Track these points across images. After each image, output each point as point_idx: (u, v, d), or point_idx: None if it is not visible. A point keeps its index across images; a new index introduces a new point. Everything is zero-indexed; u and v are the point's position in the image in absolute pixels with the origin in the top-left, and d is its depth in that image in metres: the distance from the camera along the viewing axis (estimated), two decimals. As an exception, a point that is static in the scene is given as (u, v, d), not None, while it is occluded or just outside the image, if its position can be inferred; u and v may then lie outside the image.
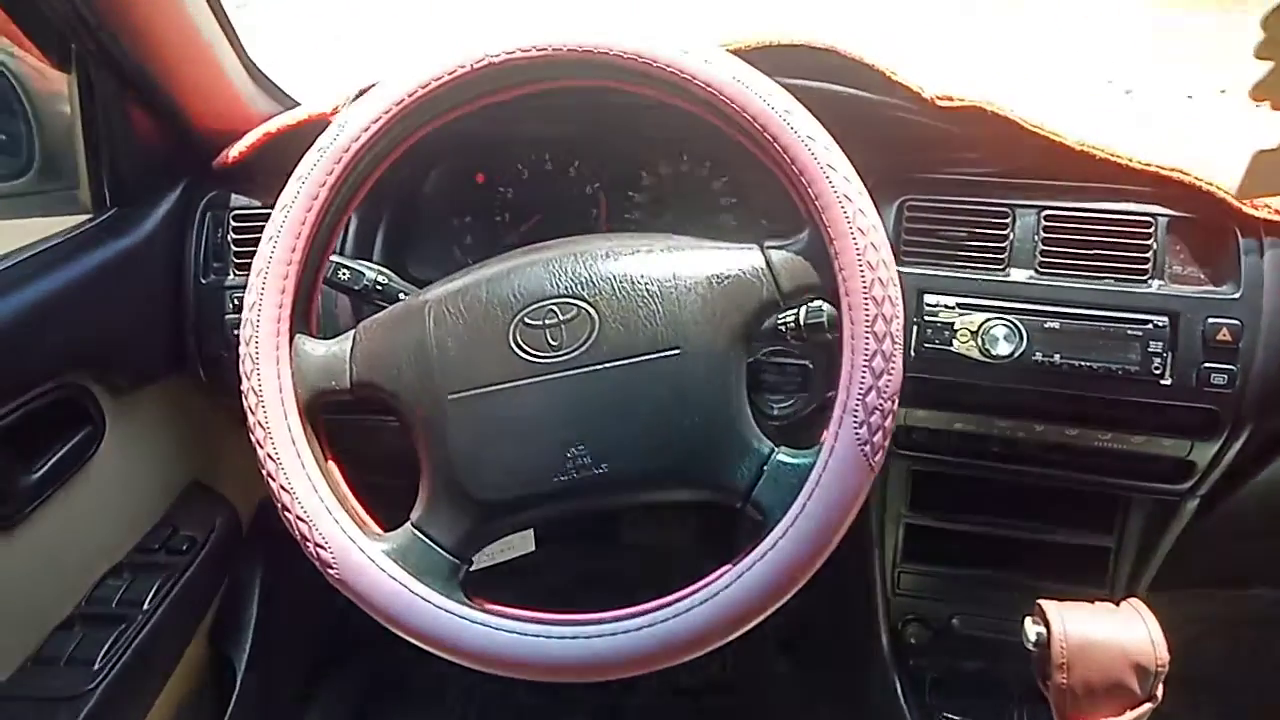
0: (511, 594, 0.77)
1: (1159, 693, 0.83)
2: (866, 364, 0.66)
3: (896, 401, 0.67)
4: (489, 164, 1.13)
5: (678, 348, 0.69)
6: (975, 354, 0.89)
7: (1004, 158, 0.93)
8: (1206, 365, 0.86)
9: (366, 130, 0.75)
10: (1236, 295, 0.86)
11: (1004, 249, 0.91)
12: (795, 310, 0.74)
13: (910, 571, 1.10)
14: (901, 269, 0.91)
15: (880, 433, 0.66)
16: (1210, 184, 0.87)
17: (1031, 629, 0.86)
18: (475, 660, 0.68)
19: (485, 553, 0.93)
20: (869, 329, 0.66)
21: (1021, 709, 1.10)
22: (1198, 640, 1.53)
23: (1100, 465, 0.96)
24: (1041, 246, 0.90)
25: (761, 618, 0.66)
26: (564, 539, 1.40)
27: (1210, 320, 0.86)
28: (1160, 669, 0.82)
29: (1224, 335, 0.86)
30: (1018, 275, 0.91)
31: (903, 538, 1.08)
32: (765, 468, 0.69)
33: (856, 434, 0.65)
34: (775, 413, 0.98)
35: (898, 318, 0.67)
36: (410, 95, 0.75)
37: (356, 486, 0.77)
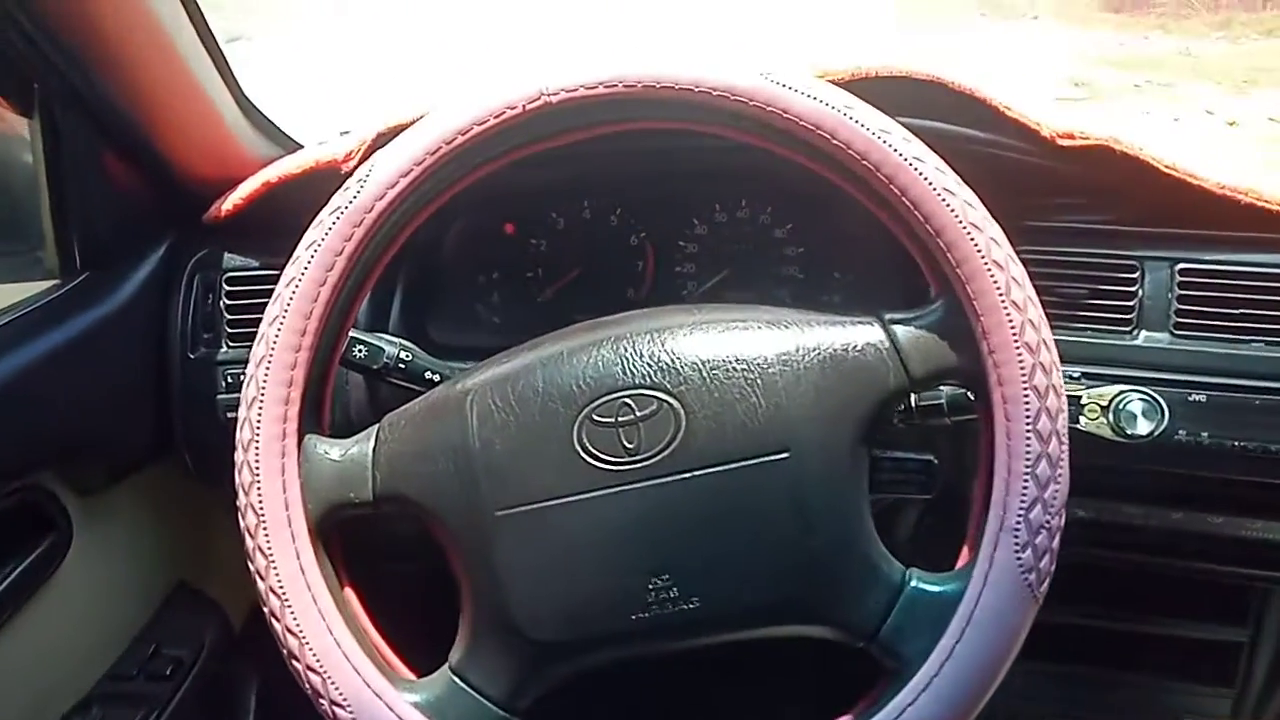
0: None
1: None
2: (1029, 471, 0.53)
3: (1064, 517, 0.53)
4: (518, 213, 1.00)
5: (786, 450, 0.55)
6: (1107, 432, 0.76)
7: (1130, 203, 0.80)
8: None
9: (394, 186, 0.61)
10: None
11: (1132, 308, 0.78)
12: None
13: (1015, 670, 0.96)
14: (1012, 333, 0.79)
15: (1048, 556, 0.53)
16: (1378, 230, 0.74)
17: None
18: None
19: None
20: (1030, 427, 0.53)
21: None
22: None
23: (1244, 556, 0.83)
24: (1177, 305, 0.77)
25: None
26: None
27: (1390, 390, 0.73)
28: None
29: None
30: (1149, 339, 0.78)
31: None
32: (899, 599, 0.55)
33: (1019, 559, 0.52)
34: None
35: (1064, 412, 0.54)
36: (449, 143, 0.61)
37: (381, 616, 0.63)
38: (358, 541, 0.65)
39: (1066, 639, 0.95)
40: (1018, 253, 0.79)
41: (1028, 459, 0.53)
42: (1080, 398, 0.76)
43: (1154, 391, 0.75)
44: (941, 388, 0.61)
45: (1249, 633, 0.90)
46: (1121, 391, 0.76)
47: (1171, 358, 0.77)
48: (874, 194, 0.58)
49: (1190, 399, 0.75)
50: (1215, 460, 0.75)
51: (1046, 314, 0.78)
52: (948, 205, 0.55)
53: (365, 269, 0.64)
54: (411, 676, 0.60)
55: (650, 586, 0.56)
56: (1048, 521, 0.53)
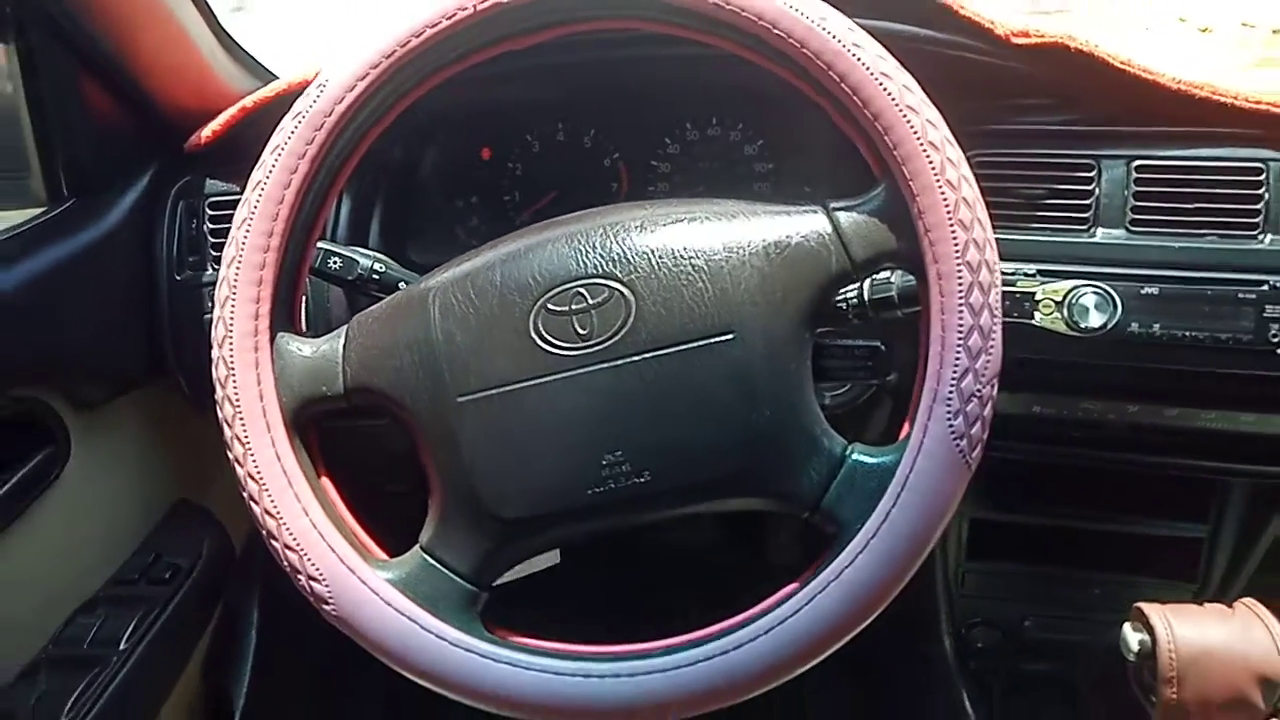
0: (530, 615, 0.68)
1: (1289, 708, 0.73)
2: (961, 343, 0.55)
3: (996, 387, 0.56)
4: (494, 137, 1.02)
5: (731, 332, 0.58)
6: (1061, 327, 0.78)
7: (1087, 102, 0.81)
8: None
9: (351, 90, 0.64)
10: None
11: (1089, 206, 0.79)
12: (858, 284, 0.63)
13: (976, 570, 1.00)
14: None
15: (979, 424, 0.55)
16: (1330, 120, 0.75)
17: (1132, 637, 0.76)
18: (501, 705, 0.58)
19: (502, 571, 0.82)
20: (963, 300, 0.55)
21: (1100, 716, 1.00)
22: None
23: (1200, 447, 0.85)
24: (1133, 202, 0.79)
25: (836, 646, 0.56)
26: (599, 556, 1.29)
27: (1335, 278, 0.75)
28: (1292, 682, 0.72)
29: None
30: (1106, 236, 0.79)
31: (967, 534, 0.97)
32: (839, 470, 0.58)
33: (951, 426, 0.55)
34: (828, 401, 0.87)
35: (996, 286, 0.56)
36: (403, 46, 0.63)
37: (357, 505, 0.66)
38: (335, 437, 0.68)
39: (1035, 540, 0.98)
40: (979, 156, 0.82)
41: (960, 331, 0.55)
42: (1035, 294, 0.78)
43: (1108, 286, 0.77)
44: (891, 280, 0.62)
45: (1209, 528, 0.93)
46: (1075, 286, 0.77)
47: (1127, 253, 0.78)
48: (815, 83, 0.60)
49: (1143, 292, 0.77)
50: (1168, 352, 0.77)
51: (1006, 214, 0.81)
52: (885, 89, 0.57)
53: (330, 173, 0.66)
54: (385, 557, 0.64)
55: (604, 463, 0.58)
56: (979, 390, 0.55)
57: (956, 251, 0.55)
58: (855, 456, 0.59)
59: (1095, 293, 0.77)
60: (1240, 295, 0.75)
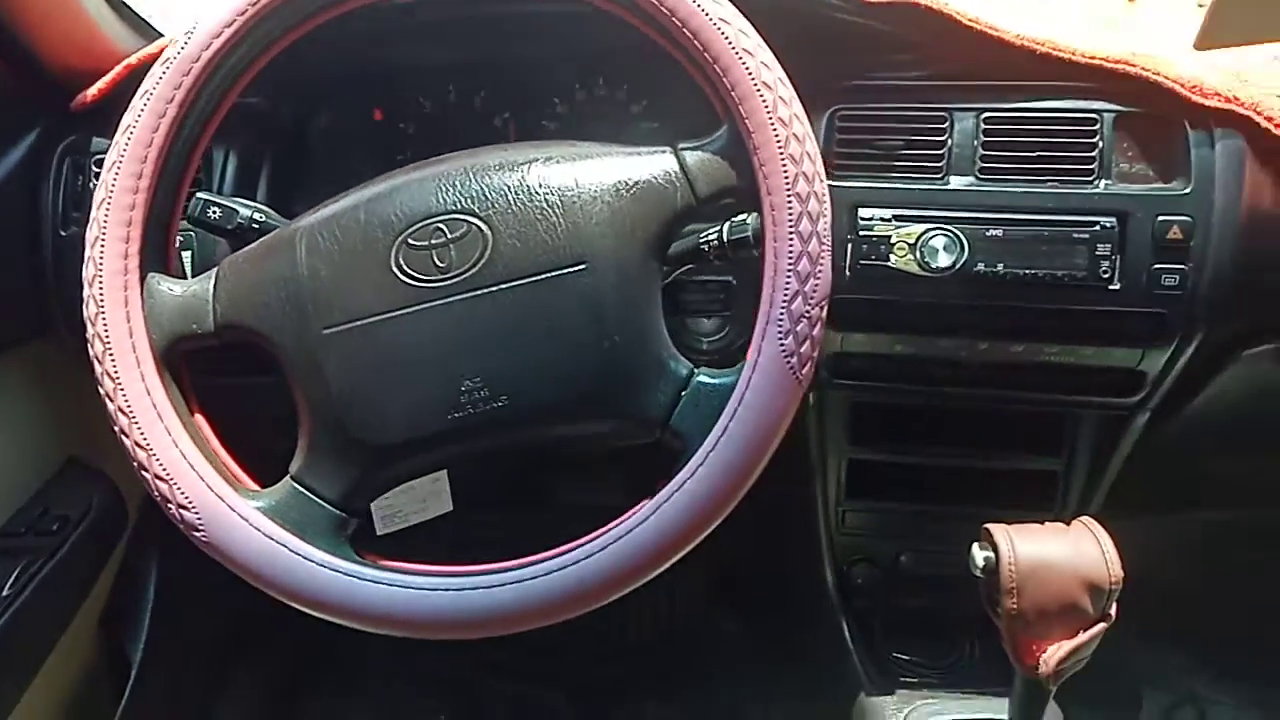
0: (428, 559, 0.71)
1: (1113, 611, 0.79)
2: (791, 268, 0.59)
3: (825, 309, 0.60)
4: (386, 98, 1.03)
5: (583, 262, 0.61)
6: (914, 268, 0.83)
7: (939, 58, 0.86)
8: (1156, 266, 0.81)
9: (218, 36, 0.66)
10: (1187, 191, 0.81)
11: (942, 156, 0.84)
12: (719, 226, 0.67)
13: (855, 509, 1.05)
14: (835, 183, 0.84)
15: (808, 343, 0.59)
16: (1158, 74, 0.81)
17: (979, 555, 0.81)
18: (368, 620, 0.61)
19: (398, 514, 0.85)
20: (793, 229, 0.59)
21: (973, 644, 1.06)
22: (1147, 561, 1.53)
23: (1048, 382, 0.91)
24: (982, 151, 0.84)
25: (681, 553, 0.60)
26: (492, 502, 1.33)
27: (1160, 218, 0.81)
28: (1114, 586, 0.78)
29: (1174, 234, 0.80)
30: (958, 183, 0.84)
31: (845, 474, 1.03)
32: (684, 391, 0.62)
33: (781, 345, 0.59)
34: (706, 346, 0.91)
35: (825, 216, 0.60)
36: None
37: (237, 451, 0.68)
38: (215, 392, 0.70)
39: (908, 478, 1.03)
40: (842, 110, 0.86)
41: (790, 257, 0.59)
42: (890, 237, 0.83)
43: (956, 229, 0.82)
44: (748, 221, 0.66)
45: (1064, 460, 0.99)
46: (927, 230, 0.82)
47: (976, 199, 0.83)
48: (664, 32, 0.63)
49: (988, 234, 0.82)
50: (1011, 289, 0.83)
51: (867, 165, 0.86)
52: (723, 33, 0.61)
53: (199, 119, 0.68)
54: (256, 487, 0.66)
55: (463, 389, 0.62)
56: (808, 312, 0.59)
57: (787, 184, 0.59)
58: (700, 378, 0.62)
59: (945, 235, 0.82)
60: (1075, 235, 0.81)
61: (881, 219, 0.83)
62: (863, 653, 1.05)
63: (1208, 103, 0.80)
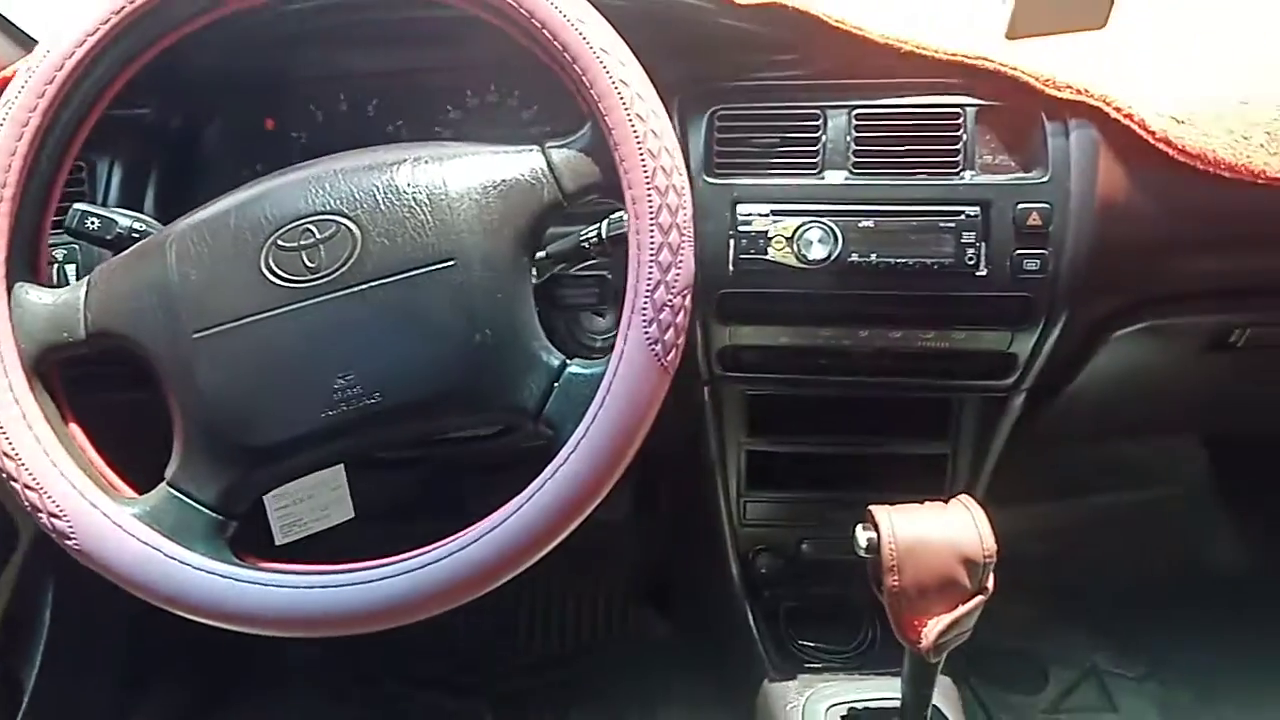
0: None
1: (989, 584, 0.83)
2: (652, 259, 0.61)
3: (688, 298, 0.62)
4: (278, 108, 1.03)
5: (451, 259, 0.62)
6: (791, 260, 0.86)
7: (813, 58, 0.89)
8: (1019, 252, 0.85)
9: (81, 45, 0.66)
10: (1045, 179, 0.85)
11: (817, 152, 0.88)
12: (599, 225, 0.69)
13: (755, 500, 1.07)
14: (716, 180, 0.88)
15: (672, 330, 0.61)
16: (1015, 69, 0.85)
17: (862, 536, 0.84)
18: (245, 622, 0.61)
19: (298, 522, 0.85)
20: (653, 221, 0.61)
21: (875, 628, 1.09)
22: (1042, 542, 1.60)
23: (927, 367, 0.95)
24: (854, 147, 0.87)
25: (556, 540, 0.61)
26: (413, 510, 1.32)
27: (1020, 206, 0.85)
28: (989, 559, 0.81)
29: (1034, 220, 0.85)
30: (832, 178, 0.87)
31: (745, 466, 1.05)
32: (557, 383, 0.64)
33: (646, 333, 0.61)
34: (600, 344, 0.93)
35: (684, 208, 0.62)
36: (132, 3, 0.65)
37: (122, 464, 0.68)
38: (86, 389, 0.69)
39: (806, 467, 1.06)
40: (720, 109, 0.89)
41: (651, 248, 0.61)
42: (768, 232, 0.86)
43: (831, 221, 0.85)
44: (624, 219, 0.68)
45: (950, 445, 1.03)
46: (802, 223, 0.86)
47: (849, 192, 0.87)
48: (524, 31, 0.65)
49: (860, 225, 0.85)
50: (884, 278, 0.86)
51: (745, 162, 0.89)
52: (580, 33, 0.63)
53: (67, 128, 0.68)
54: (133, 494, 0.66)
55: (335, 387, 0.62)
56: (671, 301, 0.61)
57: (646, 177, 0.61)
58: (571, 369, 0.64)
59: (820, 228, 0.85)
60: (941, 225, 0.85)
61: (760, 214, 0.86)
62: (768, 642, 1.08)
63: (1061, 95, 0.85)
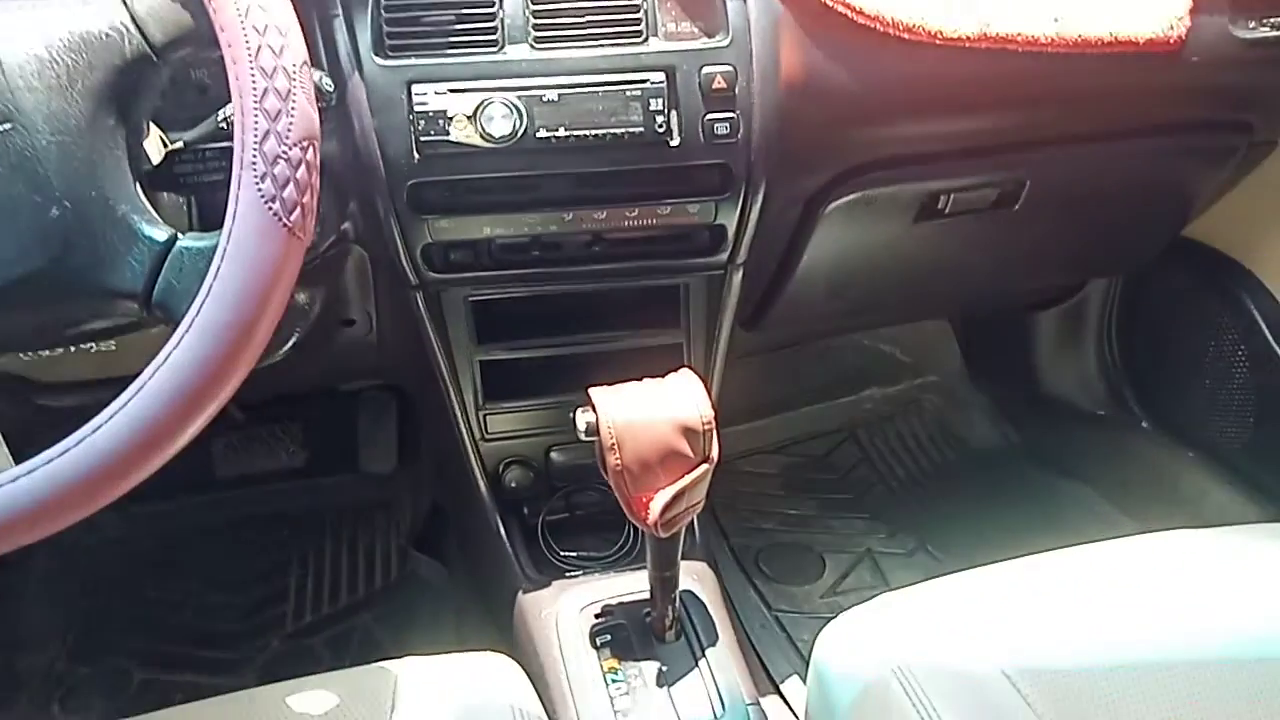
0: None
1: (713, 453, 0.82)
2: (257, 106, 0.54)
3: (311, 153, 0.56)
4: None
5: (8, 121, 0.54)
6: (476, 139, 0.81)
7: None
8: (709, 116, 0.84)
9: None
10: (727, 43, 0.85)
11: (495, 28, 0.83)
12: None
13: (496, 412, 1.03)
14: (388, 62, 0.82)
15: (292, 187, 0.55)
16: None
17: (580, 419, 0.81)
18: None
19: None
20: (253, 64, 0.54)
21: (636, 530, 1.07)
22: (801, 445, 1.65)
23: (641, 250, 0.93)
24: (534, 20, 0.83)
25: (183, 436, 0.54)
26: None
27: (705, 69, 0.84)
28: (707, 428, 0.80)
29: (719, 84, 0.84)
30: (515, 53, 0.83)
31: (480, 377, 1.00)
32: (166, 259, 0.56)
33: (259, 189, 0.54)
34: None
35: (290, 49, 0.56)
36: None
37: None
38: None
39: (544, 371, 1.02)
40: None
41: (255, 94, 0.54)
42: (447, 110, 0.81)
43: (514, 97, 0.81)
44: None
45: (683, 332, 1.02)
46: (483, 99, 0.81)
47: (531, 66, 0.82)
48: None
49: (545, 99, 0.82)
50: (577, 153, 0.83)
51: (421, 42, 0.83)
52: None
53: None
54: None
55: None
56: (285, 152, 0.55)
57: (240, 15, 0.55)
58: (183, 243, 0.57)
59: (502, 103, 0.81)
60: (628, 93, 0.83)
61: (437, 93, 0.81)
62: (523, 557, 1.04)
63: (732, -42, 0.84)
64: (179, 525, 1.42)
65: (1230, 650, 0.71)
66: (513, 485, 1.06)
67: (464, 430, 1.03)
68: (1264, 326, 1.25)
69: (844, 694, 0.72)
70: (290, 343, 0.93)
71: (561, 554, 1.06)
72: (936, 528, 1.49)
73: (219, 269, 0.54)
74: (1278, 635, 0.73)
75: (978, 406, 1.70)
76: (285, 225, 0.55)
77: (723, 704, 0.87)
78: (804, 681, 1.04)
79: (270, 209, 0.55)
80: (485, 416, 1.02)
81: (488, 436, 1.04)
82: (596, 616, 0.95)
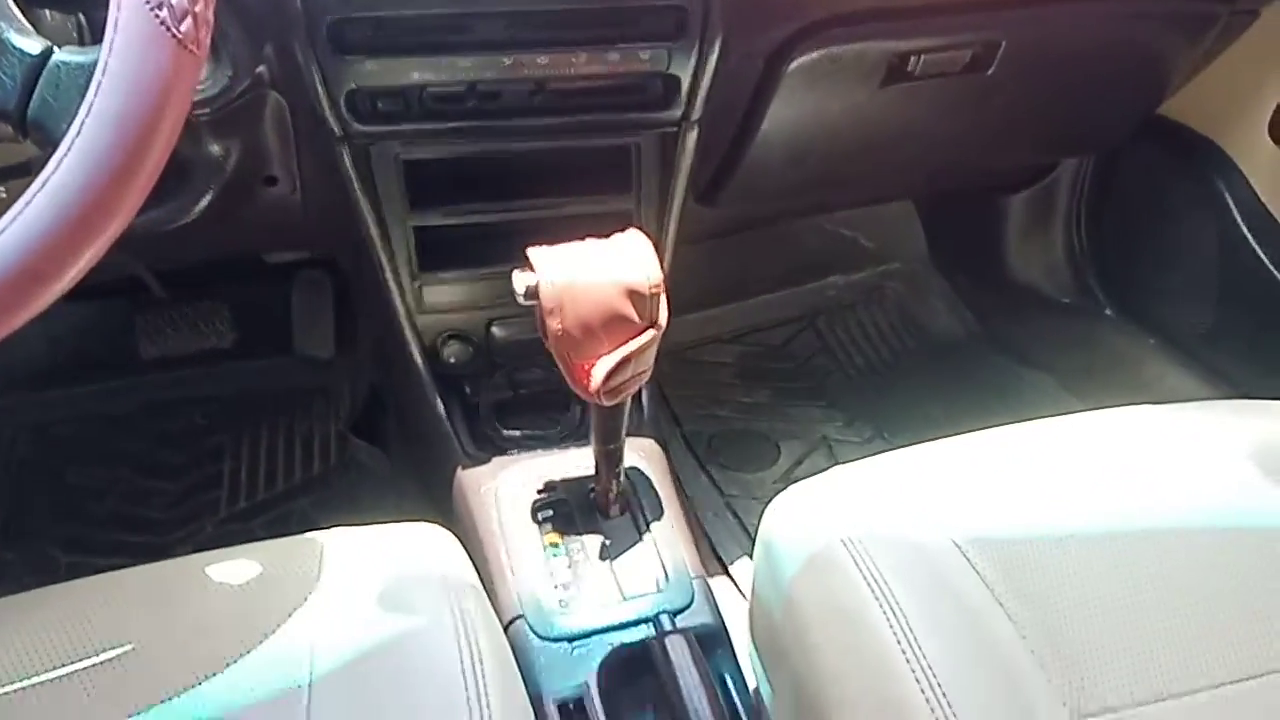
0: None
1: (661, 318, 0.77)
2: None
3: None
4: None
5: None
6: None
7: None
8: None
9: None
10: None
11: None
12: None
13: (433, 283, 0.97)
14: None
15: None
16: None
17: (519, 280, 0.75)
18: None
19: None
20: None
21: (582, 405, 1.03)
22: (761, 332, 1.62)
23: (587, 103, 0.86)
24: None
25: (65, 273, 0.47)
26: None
27: (656, -104, 0.76)
28: (654, 291, 0.75)
29: None
30: None
31: (414, 245, 0.93)
32: (40, 74, 0.49)
33: None
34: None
35: None
36: None
37: None
38: None
39: (480, 241, 0.96)
40: None
41: None
42: None
43: None
44: None
45: (634, 198, 0.95)
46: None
47: None
48: None
49: None
50: None
51: None
52: None
53: None
54: None
55: None
56: None
57: None
58: (59, 56, 0.49)
59: None
60: None
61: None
62: (463, 435, 1.00)
63: None
64: (100, 410, 1.35)
65: (1183, 520, 0.69)
66: (451, 361, 1.00)
67: (399, 302, 0.97)
68: (1233, 208, 1.21)
69: (791, 564, 0.70)
70: (207, 199, 0.86)
71: (505, 433, 1.02)
72: (894, 415, 1.47)
73: (100, 84, 0.47)
74: (1232, 506, 0.71)
75: (941, 294, 1.67)
76: (174, 35, 0.48)
77: (667, 577, 0.84)
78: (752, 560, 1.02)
79: (157, 16, 0.47)
80: (421, 288, 0.96)
81: (424, 309, 0.98)
82: (539, 492, 0.91)
